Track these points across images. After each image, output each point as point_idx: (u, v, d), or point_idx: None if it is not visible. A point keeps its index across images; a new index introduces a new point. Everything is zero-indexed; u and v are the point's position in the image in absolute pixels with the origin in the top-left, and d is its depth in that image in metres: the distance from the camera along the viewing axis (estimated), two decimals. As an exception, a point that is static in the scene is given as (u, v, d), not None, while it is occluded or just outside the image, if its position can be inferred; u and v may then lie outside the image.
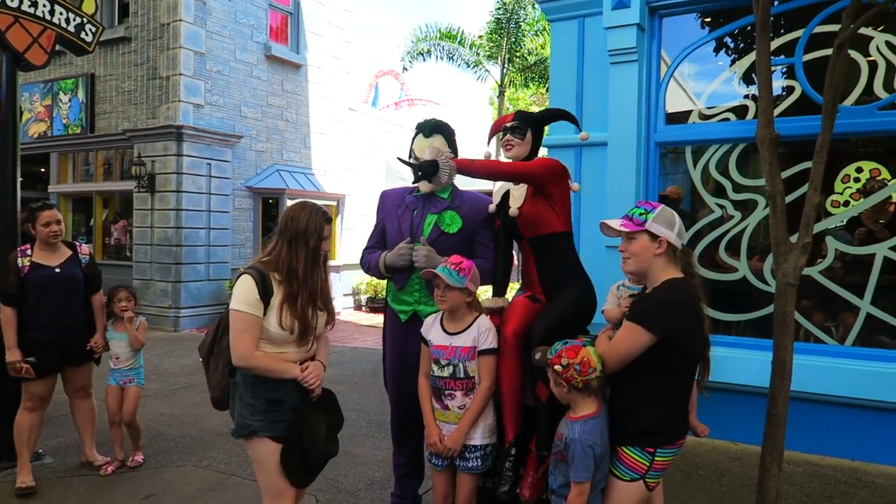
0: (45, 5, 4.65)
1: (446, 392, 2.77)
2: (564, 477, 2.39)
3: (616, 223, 2.43)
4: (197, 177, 10.86)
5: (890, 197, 4.31)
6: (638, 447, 2.31)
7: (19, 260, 3.95)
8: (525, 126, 3.08)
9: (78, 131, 11.81)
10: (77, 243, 4.25)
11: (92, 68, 11.70)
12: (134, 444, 4.39)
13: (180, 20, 10.56)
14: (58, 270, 4.00)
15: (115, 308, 4.29)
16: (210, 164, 11.09)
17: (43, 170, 13.02)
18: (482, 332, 2.75)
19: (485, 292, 3.77)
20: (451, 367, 2.76)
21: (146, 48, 11.02)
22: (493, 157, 3.29)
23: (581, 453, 2.28)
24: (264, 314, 2.47)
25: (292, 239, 2.51)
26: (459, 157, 3.03)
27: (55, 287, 3.97)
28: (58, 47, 4.83)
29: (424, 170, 2.84)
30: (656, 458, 2.30)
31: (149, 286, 10.77)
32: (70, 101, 11.91)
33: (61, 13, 4.80)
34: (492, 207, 3.20)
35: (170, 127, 10.51)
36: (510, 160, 3.13)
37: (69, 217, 12.47)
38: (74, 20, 4.93)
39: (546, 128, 3.41)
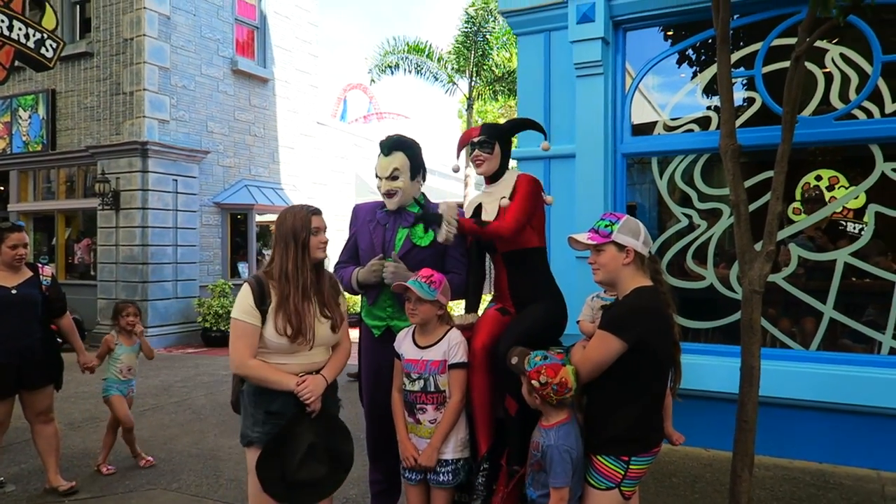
0: (3, 21, 4.57)
1: (418, 406, 2.76)
2: (544, 486, 2.40)
3: (583, 237, 2.47)
4: (163, 193, 10.70)
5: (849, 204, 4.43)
6: (612, 455, 2.32)
7: None
8: (492, 139, 3.07)
9: (38, 148, 11.57)
10: (39, 264, 4.16)
11: (53, 84, 11.49)
12: (135, 447, 4.65)
13: (144, 35, 10.45)
14: (14, 292, 3.92)
15: (122, 322, 4.56)
16: (176, 181, 10.94)
17: (1, 188, 12.72)
18: (452, 346, 2.75)
19: (457, 306, 3.77)
20: (421, 381, 2.75)
21: (109, 63, 10.86)
22: (461, 171, 3.31)
23: (559, 458, 2.31)
24: (263, 323, 2.48)
25: (283, 241, 2.55)
26: (466, 218, 3.01)
27: (11, 309, 3.89)
28: (17, 63, 4.74)
29: (427, 221, 2.93)
30: (631, 467, 2.31)
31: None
32: (30, 117, 11.68)
33: (20, 29, 4.72)
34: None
35: (134, 143, 10.36)
36: (481, 174, 3.15)
37: (31, 236, 12.19)
38: (34, 36, 4.85)
39: (514, 139, 3.42)
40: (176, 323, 10.88)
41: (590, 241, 2.43)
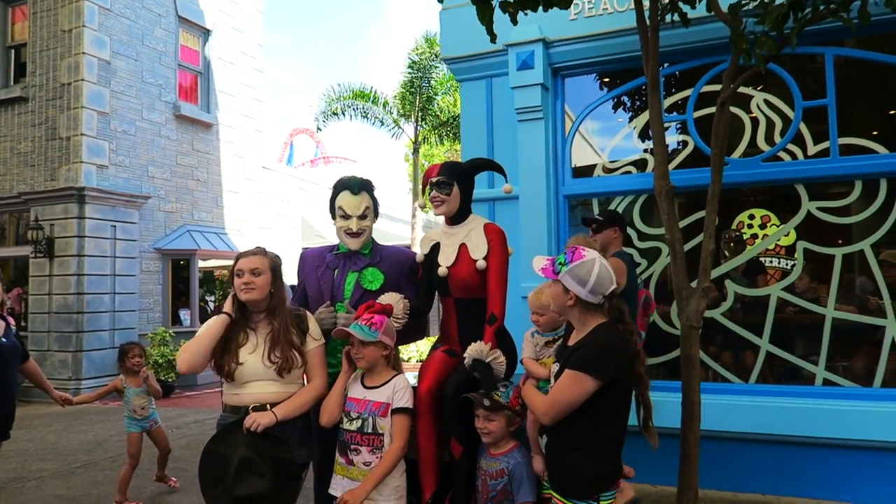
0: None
1: (352, 446, 2.71)
2: None
3: (539, 264, 2.46)
4: (100, 240, 10.38)
5: (779, 241, 4.62)
6: (582, 499, 2.29)
7: None
8: (451, 180, 3.08)
9: (-32, 195, 11.09)
10: (3, 314, 4.03)
11: (-16, 129, 11.11)
12: (163, 469, 5.04)
13: (83, 80, 10.26)
14: (4, 340, 3.81)
15: (129, 364, 4.79)
16: (115, 227, 10.64)
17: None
18: (398, 391, 2.72)
19: (406, 351, 3.74)
20: (359, 421, 2.70)
21: (45, 108, 10.60)
22: (419, 211, 3.34)
23: (528, 474, 2.51)
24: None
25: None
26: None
27: (3, 357, 3.80)
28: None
29: (486, 382, 2.74)
30: (602, 503, 2.30)
31: (46, 357, 10.05)
32: (-41, 163, 11.22)
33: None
34: (419, 257, 3.19)
35: (70, 189, 10.06)
36: (440, 215, 3.17)
37: (-44, 286, 11.57)
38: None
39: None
40: (113, 374, 10.37)
41: (540, 273, 2.44)
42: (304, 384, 2.76)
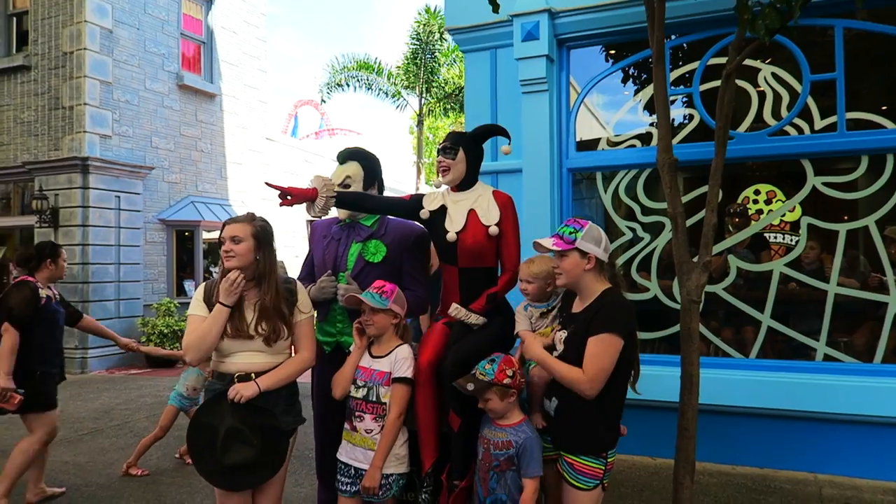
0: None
1: (356, 413, 2.76)
2: (514, 482, 2.54)
3: (548, 242, 2.56)
4: (105, 210, 10.39)
5: (784, 216, 4.60)
6: (593, 455, 2.46)
7: (40, 290, 3.99)
8: (456, 146, 3.05)
9: (-29, 164, 11.10)
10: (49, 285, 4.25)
11: (-13, 98, 11.07)
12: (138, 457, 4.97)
13: (85, 49, 10.18)
14: (61, 309, 4.15)
15: None
16: (119, 197, 10.64)
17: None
18: (399, 360, 2.75)
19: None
20: (365, 389, 2.76)
21: (47, 77, 10.54)
22: (423, 182, 3.32)
23: (537, 448, 2.52)
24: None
25: None
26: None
27: (59, 322, 4.13)
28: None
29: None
30: (608, 460, 2.49)
31: (52, 327, 10.13)
32: (-37, 132, 11.21)
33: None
34: (424, 213, 3.09)
35: (74, 159, 10.04)
36: (446, 183, 3.12)
37: (-38, 256, 11.65)
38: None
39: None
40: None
41: (554, 247, 2.54)
42: (290, 355, 2.76)
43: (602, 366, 2.40)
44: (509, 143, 3.33)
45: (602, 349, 2.40)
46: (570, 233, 2.53)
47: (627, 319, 2.45)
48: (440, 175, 3.11)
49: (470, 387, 2.53)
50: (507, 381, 2.51)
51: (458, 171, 3.05)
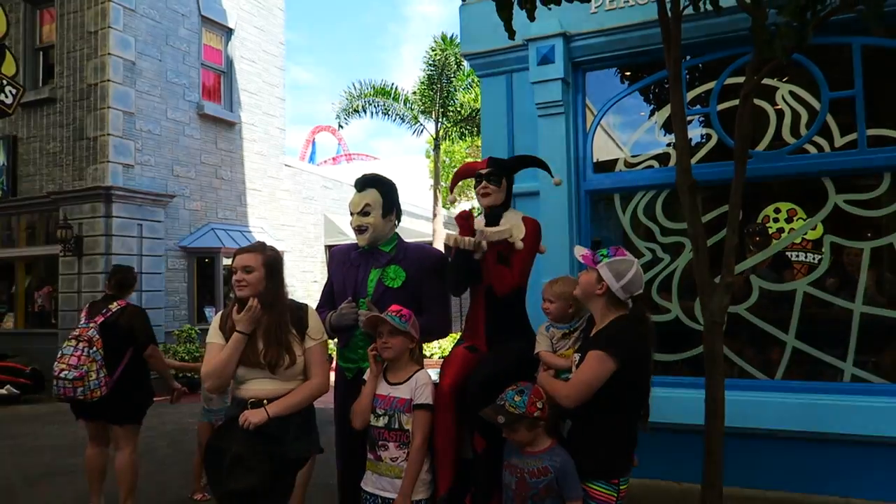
0: (-39, 68, 4.53)
1: (379, 443, 2.75)
2: None
3: (580, 251, 2.69)
4: (127, 238, 10.55)
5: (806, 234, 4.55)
6: (604, 480, 2.45)
7: None
8: (500, 173, 3.14)
9: (-1, 195, 11.35)
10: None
11: (14, 130, 11.36)
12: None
13: (109, 80, 10.42)
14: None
15: None
16: (141, 225, 10.80)
17: (-40, 236, 12.41)
18: (419, 386, 2.74)
19: (430, 349, 3.76)
20: (386, 418, 2.75)
21: (72, 109, 10.79)
22: (440, 207, 3.34)
23: (574, 471, 2.48)
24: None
25: None
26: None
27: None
28: (-25, 110, 4.68)
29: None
30: (620, 487, 2.46)
31: (76, 354, 10.24)
32: (-10, 164, 11.48)
33: (-21, 76, 4.68)
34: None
35: (98, 188, 10.24)
36: (485, 207, 3.19)
37: (-11, 285, 11.87)
38: (-6, 82, 4.80)
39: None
40: (140, 371, 10.60)
41: (581, 258, 2.66)
42: (304, 380, 2.77)
43: (582, 378, 2.44)
44: (551, 174, 3.43)
45: (587, 365, 2.45)
46: (602, 255, 2.60)
47: (626, 345, 2.44)
48: (481, 198, 3.18)
49: (501, 419, 2.50)
50: (537, 413, 2.48)
51: (498, 197, 3.15)
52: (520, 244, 2.99)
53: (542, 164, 3.34)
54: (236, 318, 2.65)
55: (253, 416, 2.55)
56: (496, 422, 2.52)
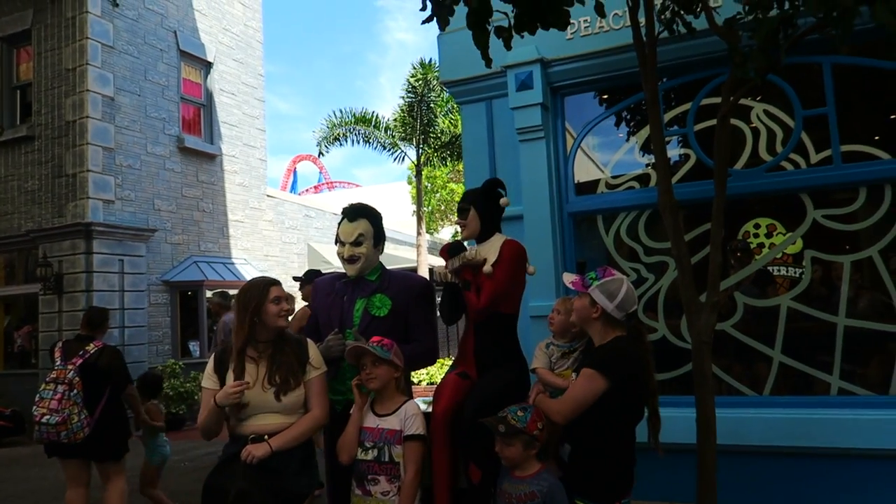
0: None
1: (369, 477, 2.68)
2: None
3: (569, 278, 2.69)
4: (108, 274, 10.43)
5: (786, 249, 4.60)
6: (604, 502, 2.44)
7: None
8: (467, 205, 3.20)
9: (-24, 235, 11.19)
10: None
11: (-8, 169, 11.23)
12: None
13: (88, 117, 10.38)
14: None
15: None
16: (122, 261, 10.69)
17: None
18: (409, 417, 2.70)
19: (417, 376, 3.73)
20: (375, 450, 2.69)
21: (51, 146, 10.72)
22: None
23: (562, 493, 2.48)
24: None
25: (239, 313, 2.70)
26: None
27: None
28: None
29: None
30: None
31: (57, 394, 10.04)
32: (-33, 203, 11.34)
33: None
34: (487, 267, 3.07)
35: (78, 225, 10.13)
36: (465, 239, 3.30)
37: (-34, 326, 11.64)
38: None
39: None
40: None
41: (571, 285, 2.65)
42: (305, 413, 2.75)
43: (572, 395, 2.48)
44: (505, 194, 3.38)
45: (578, 383, 2.48)
46: (591, 278, 2.61)
47: (619, 365, 2.45)
48: (462, 231, 3.28)
49: (501, 428, 2.50)
50: (536, 432, 2.49)
51: (472, 227, 3.19)
52: (488, 268, 2.98)
53: (498, 184, 3.34)
54: (218, 396, 2.58)
55: (256, 450, 2.51)
56: (496, 430, 2.52)
